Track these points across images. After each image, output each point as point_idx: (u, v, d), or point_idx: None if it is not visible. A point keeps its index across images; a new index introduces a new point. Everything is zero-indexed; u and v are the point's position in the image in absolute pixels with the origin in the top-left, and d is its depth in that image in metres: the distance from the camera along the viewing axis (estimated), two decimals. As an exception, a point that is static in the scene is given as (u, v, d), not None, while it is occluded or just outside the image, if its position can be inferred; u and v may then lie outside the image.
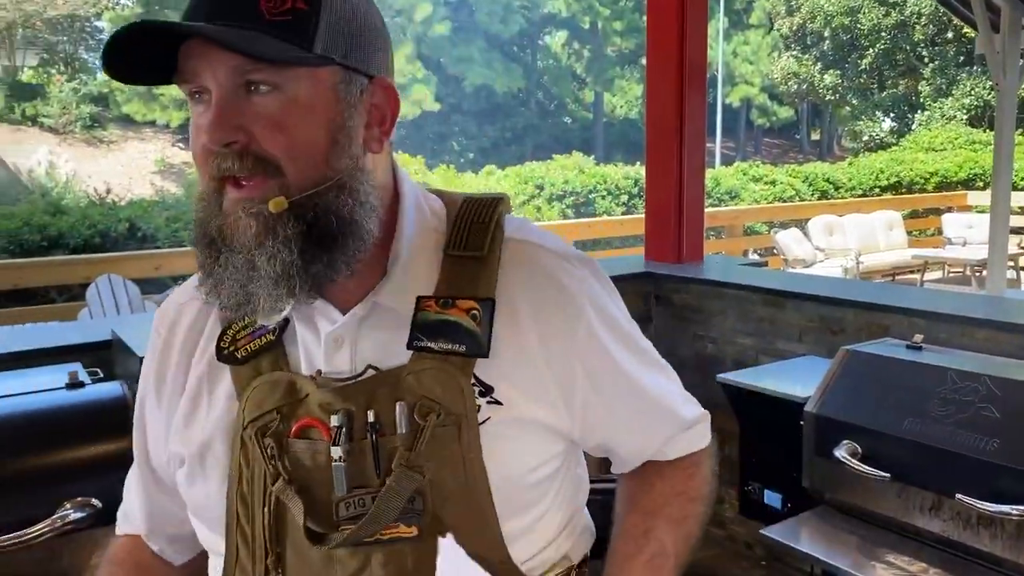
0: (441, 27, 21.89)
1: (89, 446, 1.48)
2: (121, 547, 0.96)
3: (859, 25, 20.07)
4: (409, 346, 0.78)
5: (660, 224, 3.22)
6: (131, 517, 0.96)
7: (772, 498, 2.17)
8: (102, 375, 1.68)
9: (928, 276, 9.05)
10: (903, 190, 12.12)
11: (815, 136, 27.82)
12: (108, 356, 1.91)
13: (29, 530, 1.35)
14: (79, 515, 1.41)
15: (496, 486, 0.78)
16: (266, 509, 0.78)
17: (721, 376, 2.27)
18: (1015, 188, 12.13)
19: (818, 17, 20.39)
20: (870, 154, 15.57)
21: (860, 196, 11.67)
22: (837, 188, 11.75)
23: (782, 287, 2.65)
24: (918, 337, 1.98)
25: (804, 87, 21.18)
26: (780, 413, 2.00)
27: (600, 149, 19.86)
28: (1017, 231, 10.28)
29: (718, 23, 21.07)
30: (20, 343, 2.02)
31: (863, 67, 20.75)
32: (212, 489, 0.82)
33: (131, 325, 1.89)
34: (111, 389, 1.59)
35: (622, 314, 0.89)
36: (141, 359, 1.51)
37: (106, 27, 19.95)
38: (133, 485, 0.96)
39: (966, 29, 18.53)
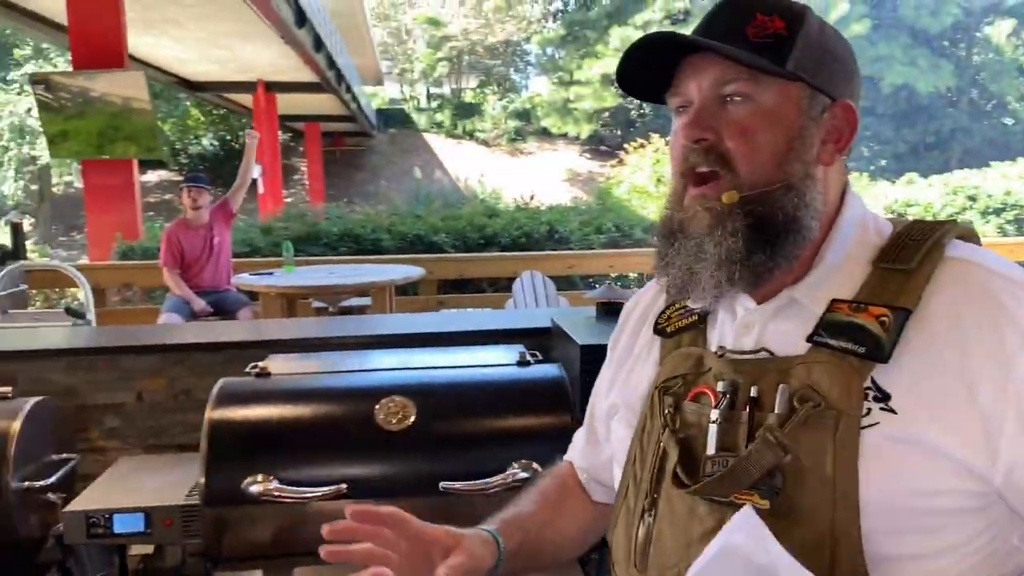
0: (859, 26, 20.38)
1: (532, 416, 1.68)
2: (561, 467, 1.17)
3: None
4: (809, 339, 0.82)
5: None
6: (574, 447, 1.17)
7: None
8: (541, 357, 1.90)
9: None
10: None
11: None
12: (547, 342, 2.15)
13: (491, 480, 1.57)
14: (524, 475, 1.60)
15: (868, 498, 0.75)
16: (654, 457, 0.89)
17: None
18: None
19: None
20: None
21: None
22: None
23: None
24: None
25: None
26: None
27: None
28: None
29: None
30: (474, 324, 2.37)
31: None
32: (625, 434, 0.98)
33: (567, 316, 2.10)
34: (551, 370, 1.80)
35: None
36: (580, 346, 1.70)
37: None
38: (584, 424, 1.16)
39: None
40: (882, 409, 0.77)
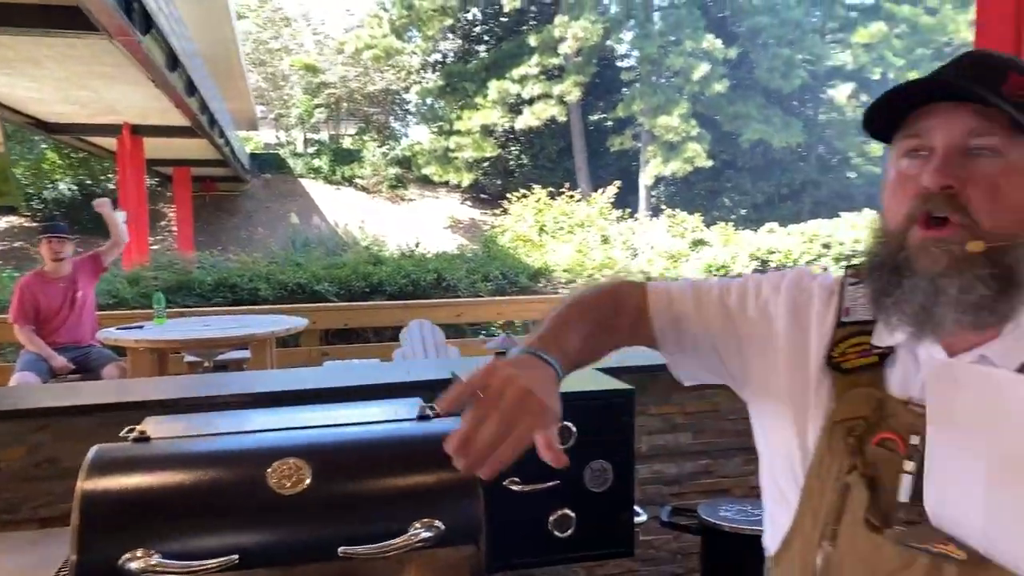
0: (719, 85, 21.74)
1: (435, 473, 1.64)
2: (632, 288, 1.15)
3: None
4: None
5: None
6: (660, 295, 1.14)
7: None
8: (438, 410, 1.87)
9: None
10: None
11: None
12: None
13: (392, 542, 1.51)
14: (428, 534, 1.56)
15: None
16: (836, 493, 0.92)
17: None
18: None
19: None
20: None
21: None
22: None
23: None
24: None
25: None
26: None
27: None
28: None
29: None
30: (368, 377, 2.31)
31: None
32: (789, 461, 0.98)
33: (467, 367, 2.09)
34: (453, 424, 1.76)
35: None
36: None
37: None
38: (692, 304, 1.12)
39: None
40: None
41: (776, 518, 1.01)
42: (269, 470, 1.50)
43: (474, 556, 1.68)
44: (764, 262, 9.21)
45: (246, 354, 4.61)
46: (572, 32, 21.20)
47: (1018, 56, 2.75)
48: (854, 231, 9.68)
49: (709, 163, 21.73)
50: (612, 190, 10.87)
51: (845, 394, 0.95)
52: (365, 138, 26.47)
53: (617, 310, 1.10)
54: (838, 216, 10.11)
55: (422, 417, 1.77)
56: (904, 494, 0.87)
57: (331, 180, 24.66)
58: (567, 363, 0.98)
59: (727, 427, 2.53)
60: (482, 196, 25.25)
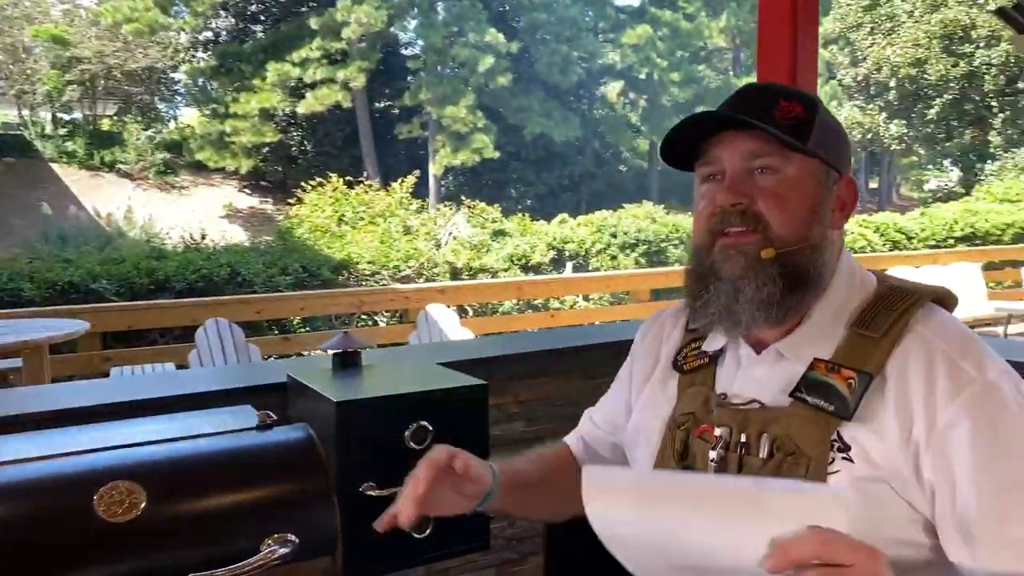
0: (503, 78, 22.32)
1: (283, 485, 1.54)
2: (559, 446, 1.38)
3: (926, 75, 19.90)
4: (791, 394, 0.98)
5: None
6: (575, 436, 1.37)
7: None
8: (276, 417, 1.76)
9: (1012, 329, 8.81)
10: (978, 241, 11.87)
11: (873, 184, 27.47)
12: (279, 400, 2.00)
13: (247, 562, 1.40)
14: (284, 550, 1.46)
15: None
16: None
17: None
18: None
19: (884, 68, 20.30)
20: (940, 204, 15.29)
21: (933, 247, 11.46)
22: (909, 239, 11.56)
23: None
24: None
25: (868, 136, 21.02)
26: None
27: (655, 197, 19.90)
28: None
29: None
30: (187, 385, 2.12)
31: (930, 117, 20.52)
32: (643, 455, 1.15)
33: (302, 370, 1.98)
34: (297, 431, 1.67)
35: (1007, 434, 0.89)
36: (336, 403, 1.60)
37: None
38: (596, 420, 1.34)
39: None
40: (843, 459, 0.93)
41: None
42: (96, 497, 1.33)
43: (331, 568, 1.61)
44: (560, 251, 9.63)
45: (15, 363, 4.04)
46: (355, 17, 20.75)
47: (793, 82, 3.06)
48: (636, 220, 10.43)
49: (496, 154, 22.29)
50: (411, 180, 10.84)
51: (684, 393, 1.10)
52: (127, 119, 24.19)
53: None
54: (621, 207, 10.86)
55: (263, 426, 1.66)
56: None
57: (88, 165, 22.30)
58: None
59: (558, 413, 2.60)
60: (263, 184, 24.07)
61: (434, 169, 22.38)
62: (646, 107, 26.59)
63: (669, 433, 1.08)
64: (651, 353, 1.21)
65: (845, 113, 21.44)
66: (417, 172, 12.99)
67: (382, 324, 7.58)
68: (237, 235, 18.77)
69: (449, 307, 6.17)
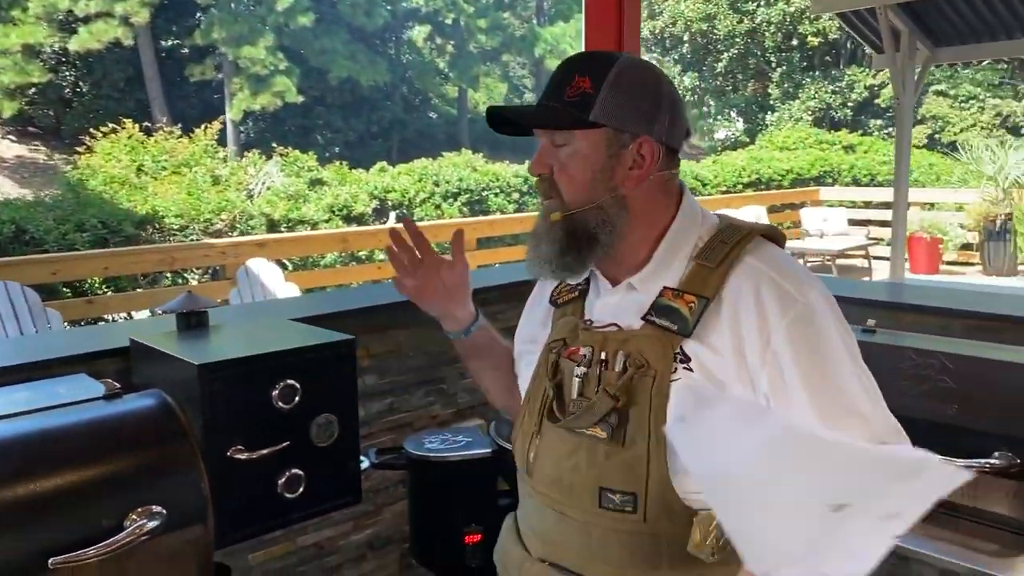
0: (304, 18, 21.24)
1: (143, 455, 1.46)
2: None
3: (715, 30, 21.31)
4: (643, 318, 1.15)
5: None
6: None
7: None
8: (120, 385, 1.65)
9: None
10: (762, 186, 13.06)
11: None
12: (118, 365, 1.87)
13: (113, 540, 1.33)
14: (153, 523, 1.40)
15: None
16: (542, 398, 1.23)
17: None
18: (858, 184, 13.41)
19: (678, 22, 21.48)
20: (729, 152, 16.58)
21: (724, 192, 12.47)
22: (704, 185, 12.49)
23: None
24: (871, 322, 2.16)
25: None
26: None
27: (468, 145, 19.99)
28: (863, 223, 11.37)
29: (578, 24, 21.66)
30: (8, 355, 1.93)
31: (719, 70, 22.05)
32: (526, 377, 1.33)
33: (144, 333, 1.85)
34: (150, 398, 1.57)
35: (827, 334, 1.08)
36: (198, 366, 1.53)
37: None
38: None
39: (809, 37, 20.13)
40: (684, 368, 1.10)
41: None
42: (-65, 487, 1.20)
43: (202, 536, 1.55)
44: (383, 201, 9.43)
45: None
46: (137, -56, 18.79)
47: (620, 31, 3.17)
48: (456, 169, 10.41)
49: (300, 99, 21.30)
50: (217, 126, 10.08)
51: (557, 322, 1.28)
52: None
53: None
54: (441, 156, 10.77)
55: (112, 395, 1.55)
56: (573, 392, 1.18)
57: None
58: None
59: (409, 364, 2.62)
60: (32, 130, 21.50)
61: (232, 114, 21.00)
62: (454, 53, 26.42)
63: (544, 356, 1.26)
64: (542, 290, 1.39)
65: (643, 65, 22.44)
66: (221, 118, 12.14)
67: (194, 282, 7.13)
68: (4, 187, 16.74)
69: (270, 261, 5.92)
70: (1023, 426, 1.74)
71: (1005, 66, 16.19)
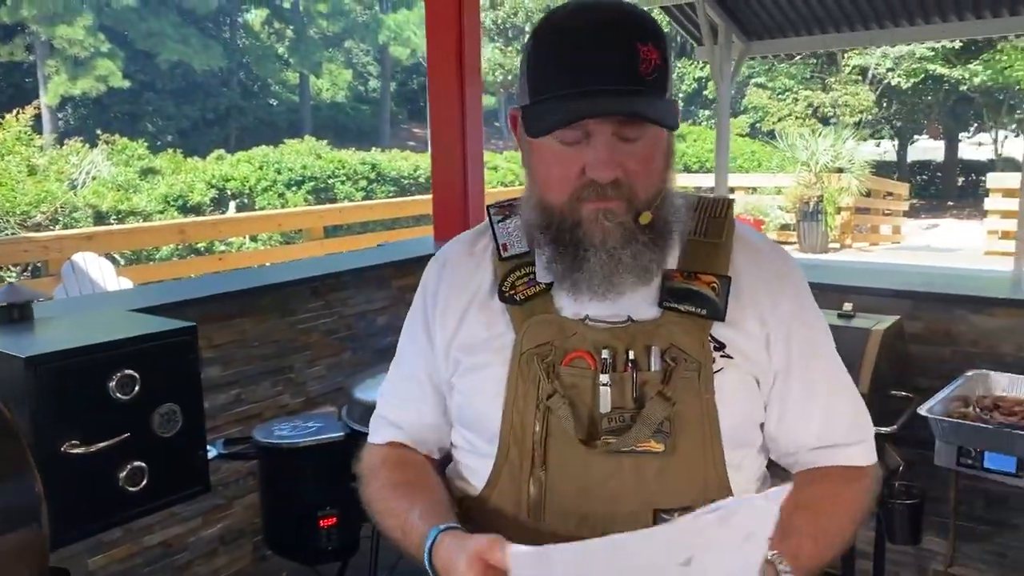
0: (128, -2, 19.88)
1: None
2: (391, 452, 1.15)
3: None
4: (660, 305, 0.99)
5: (447, 208, 3.47)
6: (403, 427, 1.15)
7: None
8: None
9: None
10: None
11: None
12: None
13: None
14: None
15: (724, 422, 0.98)
16: (536, 419, 0.98)
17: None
18: (688, 171, 14.24)
19: (520, 12, 21.85)
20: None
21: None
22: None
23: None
24: (848, 306, 2.19)
25: (509, 77, 22.57)
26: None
27: (309, 132, 19.42)
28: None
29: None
30: None
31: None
32: (489, 401, 1.02)
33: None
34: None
35: (816, 307, 1.07)
36: (24, 359, 1.45)
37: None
38: (407, 403, 1.14)
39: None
40: (722, 356, 0.99)
41: (472, 464, 1.07)
42: None
43: (36, 537, 1.48)
44: (222, 190, 9.01)
45: None
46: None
47: (459, 11, 3.23)
48: (299, 156, 10.12)
49: (126, 83, 19.91)
50: (31, 112, 9.21)
51: (526, 324, 1.01)
52: None
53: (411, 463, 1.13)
54: (283, 143, 10.43)
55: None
56: (604, 405, 0.97)
57: None
58: None
59: (254, 353, 2.58)
60: None
61: (48, 99, 19.34)
62: (294, 38, 25.57)
63: (524, 369, 1.00)
64: (457, 295, 1.09)
65: (487, 55, 22.78)
66: (36, 103, 11.14)
67: (11, 280, 6.55)
68: None
69: (99, 256, 5.54)
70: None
71: (815, 61, 17.70)
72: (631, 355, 0.98)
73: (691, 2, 5.97)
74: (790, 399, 1.03)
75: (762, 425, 1.06)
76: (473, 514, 1.05)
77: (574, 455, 0.97)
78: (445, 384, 1.10)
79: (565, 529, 0.97)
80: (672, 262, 1.01)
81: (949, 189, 18.59)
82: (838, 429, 1.05)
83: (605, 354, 0.98)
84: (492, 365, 1.03)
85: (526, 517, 0.99)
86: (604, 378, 0.97)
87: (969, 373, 2.09)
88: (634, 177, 0.94)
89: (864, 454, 1.06)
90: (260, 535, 2.42)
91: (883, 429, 1.95)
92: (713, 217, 1.04)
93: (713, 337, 0.99)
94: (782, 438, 1.06)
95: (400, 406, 1.16)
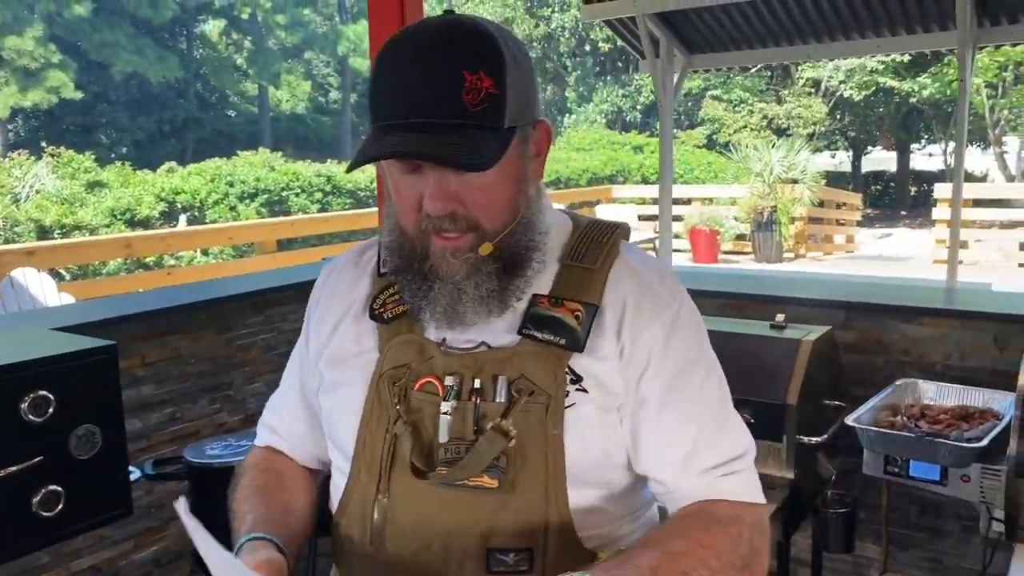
0: (79, 8, 19.53)
1: None
2: (265, 455, 1.13)
3: (515, 34, 21.87)
4: (518, 332, 0.95)
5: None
6: (280, 433, 1.14)
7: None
8: None
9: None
10: (561, 185, 13.66)
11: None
12: None
13: None
14: None
15: (571, 462, 0.92)
16: (385, 443, 0.95)
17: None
18: (646, 182, 14.39)
19: (477, 25, 21.90)
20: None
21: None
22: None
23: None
24: (780, 317, 2.16)
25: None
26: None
27: (270, 144, 19.23)
28: (651, 218, 12.21)
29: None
30: None
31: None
32: (347, 420, 1.00)
33: None
34: None
35: (696, 338, 0.98)
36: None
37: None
38: (285, 410, 1.14)
39: (600, 43, 21.26)
40: (577, 390, 0.93)
41: (335, 480, 1.05)
42: None
43: (-58, 567, 1.44)
44: (172, 203, 8.86)
45: None
46: None
47: (402, 15, 3.20)
48: (253, 169, 9.99)
49: (79, 95, 19.56)
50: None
51: (389, 344, 0.98)
52: None
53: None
54: (236, 155, 10.29)
55: None
56: (443, 434, 0.93)
57: None
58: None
59: (189, 371, 2.53)
60: None
61: (-3, 111, 18.97)
62: (252, 49, 25.35)
63: (381, 390, 0.97)
64: (334, 306, 1.06)
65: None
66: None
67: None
68: None
69: (40, 271, 5.41)
70: (756, 389, 1.98)
71: (769, 74, 18.02)
72: (476, 383, 0.93)
73: (632, 16, 6.02)
74: (647, 431, 0.96)
75: (629, 466, 0.98)
76: (333, 533, 1.04)
77: (412, 484, 0.94)
78: (313, 396, 1.08)
79: (403, 559, 0.94)
80: (545, 287, 0.96)
81: (902, 199, 19.01)
82: (704, 460, 0.95)
83: (450, 381, 0.94)
84: (352, 384, 1.00)
85: (370, 547, 0.97)
86: (446, 406, 0.93)
87: (898, 382, 2.13)
88: (474, 209, 0.89)
89: (741, 488, 0.96)
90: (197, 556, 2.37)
91: (813, 439, 1.97)
92: (596, 242, 0.99)
93: (571, 368, 0.93)
94: (648, 473, 0.98)
95: (278, 413, 1.16)
